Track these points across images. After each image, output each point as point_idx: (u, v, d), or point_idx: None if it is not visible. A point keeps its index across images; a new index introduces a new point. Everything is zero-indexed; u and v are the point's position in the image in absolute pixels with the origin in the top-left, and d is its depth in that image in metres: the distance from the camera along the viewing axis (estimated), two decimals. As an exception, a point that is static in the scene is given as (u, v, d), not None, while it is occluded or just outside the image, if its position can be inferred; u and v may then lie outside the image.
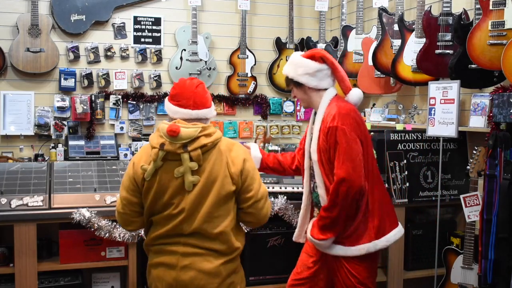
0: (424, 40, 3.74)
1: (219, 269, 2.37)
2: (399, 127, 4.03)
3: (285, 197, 3.58)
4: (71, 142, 4.68)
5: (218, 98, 5.24)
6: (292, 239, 3.05)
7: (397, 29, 4.05)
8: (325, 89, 2.82)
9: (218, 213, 2.37)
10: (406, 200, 3.64)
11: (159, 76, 5.06)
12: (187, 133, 2.30)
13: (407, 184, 3.65)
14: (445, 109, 3.48)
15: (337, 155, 2.66)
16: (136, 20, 5.01)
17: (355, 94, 2.85)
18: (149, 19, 5.04)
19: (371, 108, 4.61)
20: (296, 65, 2.82)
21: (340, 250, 2.74)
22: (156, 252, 2.41)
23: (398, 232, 2.84)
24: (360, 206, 2.71)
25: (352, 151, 2.64)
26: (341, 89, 2.87)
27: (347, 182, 2.61)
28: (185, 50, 5.06)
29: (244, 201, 2.44)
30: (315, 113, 2.89)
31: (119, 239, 3.15)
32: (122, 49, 4.96)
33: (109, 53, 4.92)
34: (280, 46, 5.36)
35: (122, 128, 4.96)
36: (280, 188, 3.66)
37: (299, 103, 3.06)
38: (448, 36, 3.63)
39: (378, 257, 2.89)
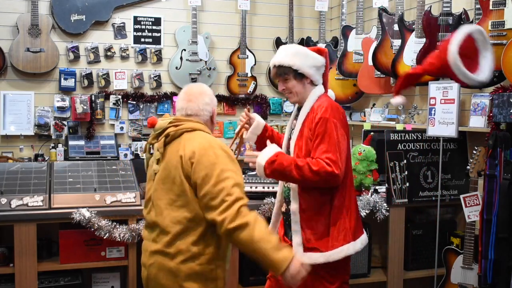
0: (424, 40, 3.74)
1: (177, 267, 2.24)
2: (399, 127, 4.03)
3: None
4: (71, 142, 4.68)
5: (218, 98, 5.24)
6: None
7: (397, 29, 4.05)
8: (316, 85, 2.76)
9: (169, 205, 2.26)
10: (406, 200, 3.64)
11: (159, 76, 5.06)
12: (159, 124, 2.38)
13: (407, 184, 3.65)
14: (445, 109, 3.48)
15: (325, 144, 2.55)
16: (136, 20, 5.01)
17: (332, 95, 2.88)
18: (149, 19, 5.04)
19: (371, 108, 4.61)
20: (304, 56, 2.71)
21: (320, 258, 2.62)
22: None
23: (366, 237, 2.79)
24: (336, 207, 2.64)
25: (341, 145, 2.58)
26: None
27: (335, 167, 2.50)
28: (185, 50, 5.06)
29: (202, 207, 2.21)
30: (298, 109, 2.81)
31: (119, 239, 3.15)
32: (122, 49, 4.96)
33: (109, 53, 4.92)
34: (280, 46, 5.34)
35: (122, 128, 4.96)
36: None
37: (289, 100, 2.91)
38: (448, 36, 3.63)
39: (349, 262, 2.78)
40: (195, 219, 2.23)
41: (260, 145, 2.99)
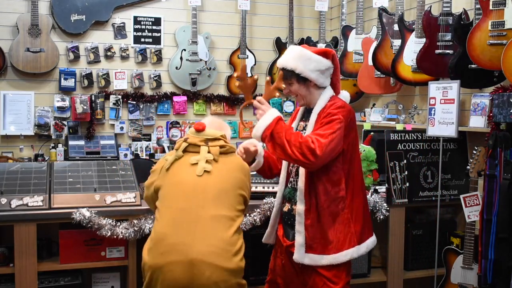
0: (424, 40, 3.74)
1: None
2: (399, 127, 4.03)
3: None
4: (71, 142, 4.68)
5: (218, 98, 5.24)
6: (262, 241, 2.96)
7: (397, 29, 4.05)
8: (324, 87, 2.75)
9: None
10: (406, 200, 3.64)
11: (159, 76, 5.06)
12: (211, 131, 2.65)
13: (407, 184, 3.64)
14: (445, 109, 3.48)
15: (322, 130, 2.55)
16: (136, 20, 5.02)
17: (346, 96, 2.81)
18: (149, 19, 5.04)
19: (371, 108, 4.61)
20: (307, 60, 2.67)
21: (323, 260, 2.63)
22: None
23: (374, 240, 2.79)
24: (342, 209, 2.64)
25: (335, 137, 2.55)
26: (333, 89, 2.80)
27: (319, 147, 2.48)
28: (185, 50, 5.06)
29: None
30: (308, 110, 2.79)
31: (121, 236, 3.14)
32: (122, 49, 4.96)
33: (109, 53, 4.92)
34: (280, 46, 5.36)
35: (122, 128, 4.96)
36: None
37: (298, 102, 2.90)
38: (448, 36, 3.63)
39: (351, 264, 2.79)
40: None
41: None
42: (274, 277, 2.91)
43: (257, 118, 2.65)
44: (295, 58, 2.69)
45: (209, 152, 2.56)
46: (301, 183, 2.68)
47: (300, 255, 2.67)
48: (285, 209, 2.83)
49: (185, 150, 2.60)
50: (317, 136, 2.53)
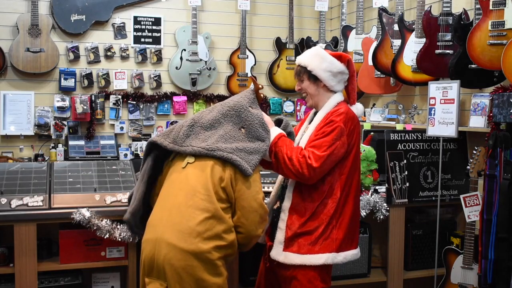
0: (424, 40, 3.74)
1: None
2: (399, 127, 4.03)
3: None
4: (71, 142, 4.68)
5: (218, 98, 5.24)
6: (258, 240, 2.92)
7: (397, 29, 4.05)
8: (334, 92, 2.75)
9: None
10: (406, 200, 3.64)
11: (159, 76, 5.06)
12: None
13: (407, 184, 3.64)
14: (445, 109, 3.48)
15: (320, 141, 2.57)
16: (136, 20, 5.02)
17: (360, 108, 2.81)
18: (149, 19, 5.04)
19: (371, 108, 4.61)
20: (322, 59, 2.69)
21: (297, 259, 2.62)
22: None
23: (356, 254, 2.75)
24: (327, 213, 2.63)
25: (334, 152, 2.56)
26: (347, 98, 2.81)
27: (315, 160, 2.52)
28: (185, 50, 5.06)
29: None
30: (315, 113, 2.82)
31: (119, 239, 3.15)
32: (122, 49, 4.96)
33: (109, 53, 4.92)
34: (280, 46, 5.36)
35: (122, 128, 4.96)
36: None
37: (306, 103, 2.90)
38: (448, 36, 3.63)
39: (330, 273, 2.76)
40: None
41: None
42: (260, 280, 2.94)
43: None
44: (310, 56, 2.74)
45: None
46: (291, 180, 2.71)
47: (277, 252, 2.69)
48: (275, 207, 2.86)
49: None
50: (314, 149, 2.56)
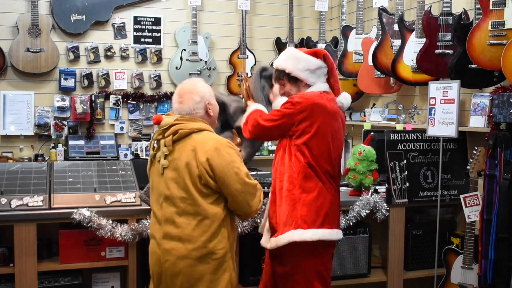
0: (424, 40, 3.74)
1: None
2: (399, 127, 4.03)
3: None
4: (71, 142, 4.68)
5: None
6: (258, 230, 2.96)
7: (397, 29, 4.05)
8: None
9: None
10: (406, 200, 3.64)
11: (159, 76, 5.06)
12: (165, 121, 2.51)
13: (407, 184, 3.64)
14: (445, 109, 3.48)
15: (272, 112, 2.75)
16: (136, 20, 5.02)
17: (347, 97, 2.82)
18: (149, 19, 5.05)
19: (371, 108, 4.61)
20: (297, 59, 2.73)
21: (273, 243, 2.67)
22: None
23: (330, 233, 2.67)
24: (298, 194, 2.64)
25: (283, 120, 2.67)
26: (331, 90, 2.82)
27: (251, 130, 2.77)
28: (185, 50, 5.06)
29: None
30: None
31: (119, 239, 3.15)
32: (122, 49, 4.96)
33: (109, 53, 4.92)
34: (280, 46, 5.36)
35: (122, 128, 4.96)
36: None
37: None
38: (448, 36, 3.63)
39: (330, 273, 2.75)
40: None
41: None
42: (263, 282, 2.93)
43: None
44: (286, 58, 2.78)
45: (165, 145, 2.50)
46: (273, 167, 2.78)
47: (265, 239, 2.75)
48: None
49: (156, 149, 2.57)
50: (262, 117, 2.76)
